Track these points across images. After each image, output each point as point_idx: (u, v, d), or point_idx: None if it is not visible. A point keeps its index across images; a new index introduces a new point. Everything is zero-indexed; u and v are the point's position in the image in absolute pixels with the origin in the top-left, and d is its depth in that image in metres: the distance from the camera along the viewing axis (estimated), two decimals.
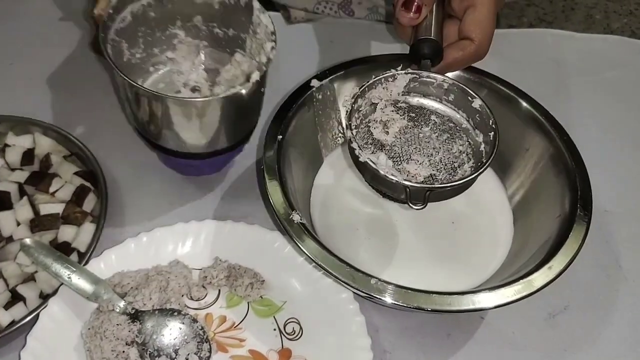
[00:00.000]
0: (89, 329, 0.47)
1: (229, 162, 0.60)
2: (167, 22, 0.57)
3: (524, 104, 0.56)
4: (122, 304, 0.47)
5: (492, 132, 0.47)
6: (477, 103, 0.49)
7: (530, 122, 0.56)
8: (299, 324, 0.50)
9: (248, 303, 0.51)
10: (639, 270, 0.56)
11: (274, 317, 0.50)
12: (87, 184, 0.56)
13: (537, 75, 0.72)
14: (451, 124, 0.50)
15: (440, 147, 0.49)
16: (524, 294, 0.44)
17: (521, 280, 0.45)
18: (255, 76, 0.49)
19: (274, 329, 0.50)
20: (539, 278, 0.45)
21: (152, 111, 0.50)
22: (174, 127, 0.50)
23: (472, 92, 0.49)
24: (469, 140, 0.50)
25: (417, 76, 0.50)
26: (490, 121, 0.48)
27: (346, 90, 0.58)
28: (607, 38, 0.78)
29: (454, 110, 0.51)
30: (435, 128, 0.50)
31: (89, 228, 0.53)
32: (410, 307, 0.43)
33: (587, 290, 0.55)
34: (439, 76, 0.50)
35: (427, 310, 0.44)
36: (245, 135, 0.56)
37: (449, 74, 0.51)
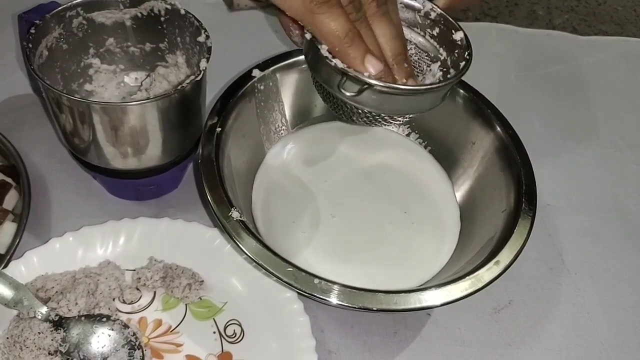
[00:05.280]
0: (7, 338, 0.43)
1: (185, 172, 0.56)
2: (81, 52, 0.53)
3: (470, 97, 0.55)
4: (44, 310, 0.44)
5: (464, 62, 0.44)
6: (458, 35, 0.45)
7: (476, 115, 0.55)
8: (240, 325, 0.48)
9: (186, 305, 0.48)
10: (581, 263, 0.57)
11: (214, 319, 0.48)
12: (8, 180, 0.52)
13: (482, 69, 0.71)
14: (429, 61, 0.46)
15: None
16: (471, 290, 0.44)
17: (468, 277, 0.44)
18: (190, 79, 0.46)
19: (214, 332, 0.47)
20: (486, 274, 0.44)
21: (93, 124, 0.46)
22: (125, 140, 0.47)
23: (456, 25, 0.45)
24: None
25: (400, 2, 0.45)
26: (467, 53, 0.44)
27: (289, 81, 0.55)
28: (550, 33, 0.80)
29: (435, 47, 0.46)
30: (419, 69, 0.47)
31: (9, 228, 0.49)
32: (355, 308, 0.42)
33: (531, 284, 0.55)
34: (427, 3, 0.45)
35: (373, 310, 0.42)
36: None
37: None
